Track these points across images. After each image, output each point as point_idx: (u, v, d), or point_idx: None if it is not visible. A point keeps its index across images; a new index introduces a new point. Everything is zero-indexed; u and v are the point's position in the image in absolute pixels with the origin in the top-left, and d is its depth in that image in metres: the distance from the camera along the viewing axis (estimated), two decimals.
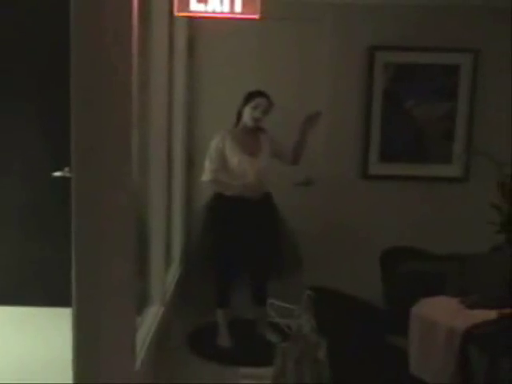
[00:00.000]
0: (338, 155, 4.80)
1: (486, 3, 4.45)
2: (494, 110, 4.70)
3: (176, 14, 3.63)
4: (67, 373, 2.15)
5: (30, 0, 4.04)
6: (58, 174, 4.09)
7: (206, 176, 4.12)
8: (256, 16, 3.56)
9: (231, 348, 4.12)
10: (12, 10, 4.09)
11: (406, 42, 4.64)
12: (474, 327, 2.81)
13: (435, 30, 4.64)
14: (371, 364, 3.12)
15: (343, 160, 4.82)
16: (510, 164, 3.67)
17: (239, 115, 4.14)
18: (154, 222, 3.78)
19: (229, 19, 3.75)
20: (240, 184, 4.07)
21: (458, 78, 4.74)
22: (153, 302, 3.77)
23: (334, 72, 4.70)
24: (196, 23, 4.57)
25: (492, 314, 2.86)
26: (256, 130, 4.15)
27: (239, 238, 4.03)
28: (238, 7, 3.54)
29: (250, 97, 4.06)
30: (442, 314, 3.01)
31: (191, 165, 4.73)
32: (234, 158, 4.06)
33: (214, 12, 3.57)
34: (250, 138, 4.14)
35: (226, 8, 3.55)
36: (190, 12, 3.61)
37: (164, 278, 3.98)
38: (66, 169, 3.97)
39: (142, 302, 3.58)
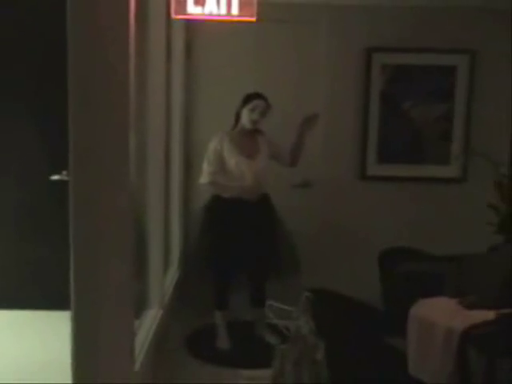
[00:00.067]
0: (336, 156, 4.80)
1: (483, 4, 4.46)
2: (491, 111, 4.71)
3: (173, 16, 3.64)
4: (66, 376, 2.15)
5: (28, 3, 4.05)
6: (55, 177, 4.10)
7: (204, 178, 4.12)
8: (253, 18, 3.57)
9: (230, 350, 4.12)
10: (11, 12, 4.09)
11: (403, 43, 4.65)
12: (472, 328, 2.81)
13: (432, 31, 4.65)
14: (370, 365, 3.13)
15: (341, 161, 4.82)
16: (507, 164, 3.69)
17: (237, 117, 4.14)
18: (152, 224, 3.78)
19: (226, 21, 3.76)
20: (238, 186, 4.07)
21: (455, 79, 4.75)
22: (151, 305, 3.77)
23: (332, 74, 4.71)
24: (193, 25, 4.57)
25: (490, 315, 2.87)
26: (254, 132, 4.16)
27: (237, 240, 4.03)
28: (234, 10, 3.55)
29: (248, 99, 4.07)
30: (441, 314, 3.02)
31: (189, 167, 4.73)
32: (232, 160, 4.06)
33: (211, 14, 3.58)
34: (248, 139, 4.15)
35: (223, 10, 3.56)
36: (187, 14, 3.62)
37: (162, 280, 3.98)
38: (64, 172, 3.98)
39: (141, 305, 3.58)
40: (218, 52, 4.63)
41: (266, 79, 4.58)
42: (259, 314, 4.17)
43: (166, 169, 4.13)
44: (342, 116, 4.77)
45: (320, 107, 4.53)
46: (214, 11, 3.56)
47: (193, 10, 3.57)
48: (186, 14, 3.62)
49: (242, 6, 3.54)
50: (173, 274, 4.56)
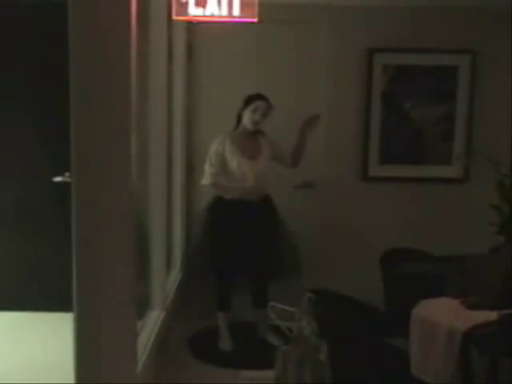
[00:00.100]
0: (338, 157, 4.80)
1: (484, 4, 4.46)
2: (493, 111, 4.71)
3: (174, 18, 3.64)
4: (69, 377, 2.16)
5: (28, 7, 4.06)
6: (58, 178, 4.11)
7: (206, 180, 4.12)
8: (254, 19, 3.57)
9: (232, 351, 4.12)
10: (12, 14, 4.10)
11: (405, 43, 4.65)
12: (474, 328, 2.81)
13: (433, 31, 4.65)
14: (372, 365, 3.13)
15: (343, 162, 4.82)
16: (508, 164, 3.68)
17: (239, 118, 4.15)
18: (154, 225, 3.78)
19: (227, 23, 3.76)
20: (240, 187, 4.07)
21: (456, 79, 4.75)
22: (154, 306, 3.77)
23: (333, 74, 4.71)
24: (194, 27, 4.57)
25: (492, 315, 2.86)
26: (255, 133, 4.16)
27: (239, 241, 4.03)
28: (236, 11, 3.55)
29: (250, 100, 4.08)
30: (443, 314, 3.02)
31: (191, 168, 4.73)
32: (234, 161, 4.07)
33: (212, 16, 3.58)
34: (250, 141, 4.15)
35: (225, 12, 3.56)
36: (189, 16, 3.62)
37: (165, 281, 3.99)
38: (67, 174, 3.99)
39: (143, 306, 3.59)
40: (219, 53, 4.64)
41: (268, 80, 4.58)
42: (261, 315, 4.17)
43: (168, 170, 4.14)
44: (343, 117, 4.77)
45: (321, 108, 4.54)
46: (216, 12, 3.56)
47: (194, 11, 3.58)
48: (187, 16, 3.62)
49: (243, 7, 3.54)
50: (175, 275, 4.56)
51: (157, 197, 3.77)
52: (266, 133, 4.21)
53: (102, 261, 2.14)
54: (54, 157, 4.12)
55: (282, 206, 4.27)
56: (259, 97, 4.07)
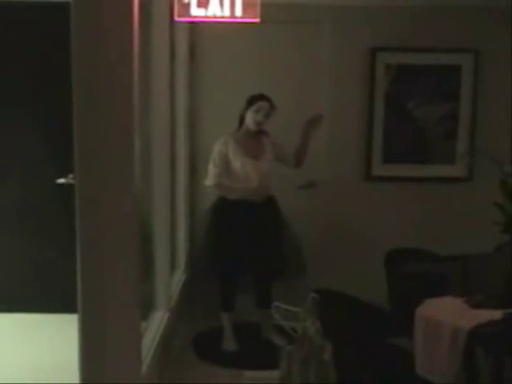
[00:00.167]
0: (341, 157, 4.80)
1: (485, 4, 4.45)
2: (496, 110, 4.70)
3: (176, 18, 3.65)
4: (74, 378, 2.16)
5: (28, 7, 4.07)
6: (61, 180, 4.12)
7: (209, 180, 4.13)
8: (256, 20, 3.57)
9: (236, 351, 4.13)
10: (14, 17, 4.11)
11: (407, 42, 4.64)
12: (479, 327, 2.80)
13: (436, 30, 4.64)
14: (376, 365, 3.12)
15: (346, 162, 4.81)
16: None
17: (242, 119, 4.15)
18: (158, 226, 3.79)
19: (229, 23, 3.76)
20: (243, 187, 4.08)
21: (459, 79, 4.73)
22: (158, 307, 3.78)
23: (335, 74, 4.70)
24: (197, 28, 4.58)
25: (497, 314, 2.86)
26: (258, 134, 4.16)
27: (243, 241, 4.03)
28: (238, 11, 3.55)
29: (252, 100, 4.08)
30: (447, 314, 3.01)
31: (194, 169, 4.73)
32: (237, 162, 4.07)
33: (214, 16, 3.58)
34: (253, 141, 4.15)
35: (227, 12, 3.56)
36: (191, 17, 3.62)
37: (169, 282, 3.99)
38: (70, 175, 4.00)
39: (148, 307, 3.59)
40: (221, 54, 4.64)
41: (270, 80, 4.58)
42: (265, 315, 4.17)
43: (172, 171, 4.14)
44: (346, 116, 4.76)
45: (324, 108, 4.54)
46: (218, 13, 3.56)
47: (196, 12, 3.58)
48: (189, 17, 3.62)
49: (245, 7, 3.54)
50: (179, 275, 4.56)
51: (160, 198, 3.77)
52: (269, 133, 4.21)
53: (106, 262, 2.14)
54: (57, 158, 4.13)
55: (285, 207, 4.27)
56: (262, 97, 4.07)
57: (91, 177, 2.06)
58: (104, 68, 2.05)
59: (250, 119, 4.08)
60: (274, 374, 2.93)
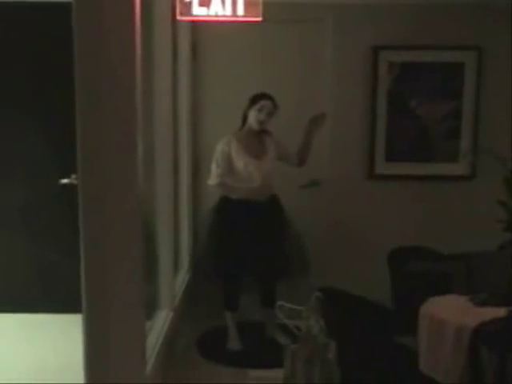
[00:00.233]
0: (344, 156, 4.79)
1: (486, 2, 4.44)
2: (499, 108, 4.69)
3: (178, 18, 3.64)
4: (79, 378, 2.17)
5: (31, 12, 4.07)
6: (65, 180, 4.12)
7: (212, 180, 4.12)
8: (258, 19, 3.56)
9: (240, 350, 4.12)
10: (15, 17, 4.12)
11: (410, 40, 4.63)
12: (483, 325, 2.80)
13: (438, 28, 4.63)
14: (380, 363, 3.12)
15: (349, 160, 4.81)
16: None
17: (244, 118, 4.15)
18: (161, 226, 3.79)
19: (231, 22, 3.76)
20: (246, 187, 4.07)
21: (462, 76, 4.72)
22: (162, 307, 3.78)
23: (338, 73, 4.70)
24: (199, 27, 4.58)
25: (501, 312, 2.86)
26: (261, 133, 4.16)
27: (246, 241, 4.03)
28: (240, 10, 3.54)
29: (255, 99, 4.07)
30: (451, 312, 3.01)
31: (197, 169, 4.73)
32: (240, 161, 4.07)
33: (216, 15, 3.58)
34: (256, 140, 4.15)
35: (229, 11, 3.55)
36: (193, 16, 3.62)
37: (173, 282, 3.99)
38: (73, 176, 4.00)
39: (152, 307, 3.59)
40: (223, 53, 4.64)
41: (273, 79, 4.58)
42: (269, 314, 4.17)
43: (174, 171, 4.14)
44: (349, 115, 4.76)
45: (327, 106, 4.53)
46: (220, 12, 3.56)
47: (198, 11, 3.57)
48: (191, 16, 3.62)
49: (247, 6, 3.53)
50: (183, 275, 4.57)
51: (163, 198, 3.77)
52: (272, 132, 4.21)
53: (110, 262, 2.15)
54: (60, 159, 4.14)
55: (288, 206, 4.27)
56: (264, 96, 4.07)
57: (94, 177, 2.07)
58: (106, 68, 2.05)
59: (252, 118, 4.08)
60: (279, 373, 2.93)
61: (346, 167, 4.81)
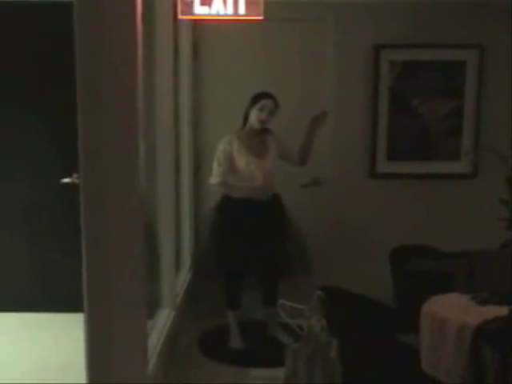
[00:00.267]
0: (345, 154, 4.79)
1: (487, 0, 4.44)
2: (501, 106, 4.68)
3: (180, 17, 3.64)
4: (81, 377, 2.17)
5: (32, 11, 4.07)
6: (66, 180, 4.13)
7: (214, 179, 4.12)
8: (260, 18, 3.56)
9: (242, 349, 4.13)
10: (16, 17, 4.12)
11: (411, 39, 4.62)
12: (485, 323, 2.80)
13: (440, 26, 4.63)
14: (382, 362, 3.12)
15: (350, 159, 4.81)
16: None
17: (246, 117, 4.15)
18: (163, 225, 3.79)
19: (232, 21, 3.75)
20: (248, 186, 4.07)
21: (464, 75, 4.72)
22: (164, 306, 3.78)
23: (339, 71, 4.69)
24: (200, 26, 4.57)
25: (503, 311, 2.85)
26: (263, 132, 4.16)
27: (248, 240, 4.03)
28: (241, 9, 3.54)
29: (256, 98, 4.07)
30: (453, 310, 3.01)
31: (198, 168, 4.73)
32: (242, 160, 4.07)
33: (217, 15, 3.57)
34: (257, 139, 4.15)
35: (230, 10, 3.55)
36: (194, 15, 3.61)
37: (174, 281, 3.99)
38: (75, 175, 4.01)
39: (154, 306, 3.60)
40: (225, 52, 4.63)
41: (274, 78, 4.57)
42: (271, 313, 4.17)
43: (176, 170, 4.14)
44: (350, 114, 4.76)
45: (328, 105, 4.53)
46: (221, 11, 3.55)
47: (199, 10, 3.57)
48: (192, 15, 3.61)
49: (248, 5, 3.53)
50: (185, 274, 4.57)
51: (165, 197, 3.78)
52: (273, 131, 4.21)
53: (112, 261, 2.15)
54: (62, 158, 4.14)
55: (290, 205, 4.27)
56: (266, 95, 4.07)
57: (96, 176, 2.07)
58: (107, 67, 2.05)
59: (254, 117, 4.08)
60: (281, 372, 2.93)
61: (348, 166, 4.80)
